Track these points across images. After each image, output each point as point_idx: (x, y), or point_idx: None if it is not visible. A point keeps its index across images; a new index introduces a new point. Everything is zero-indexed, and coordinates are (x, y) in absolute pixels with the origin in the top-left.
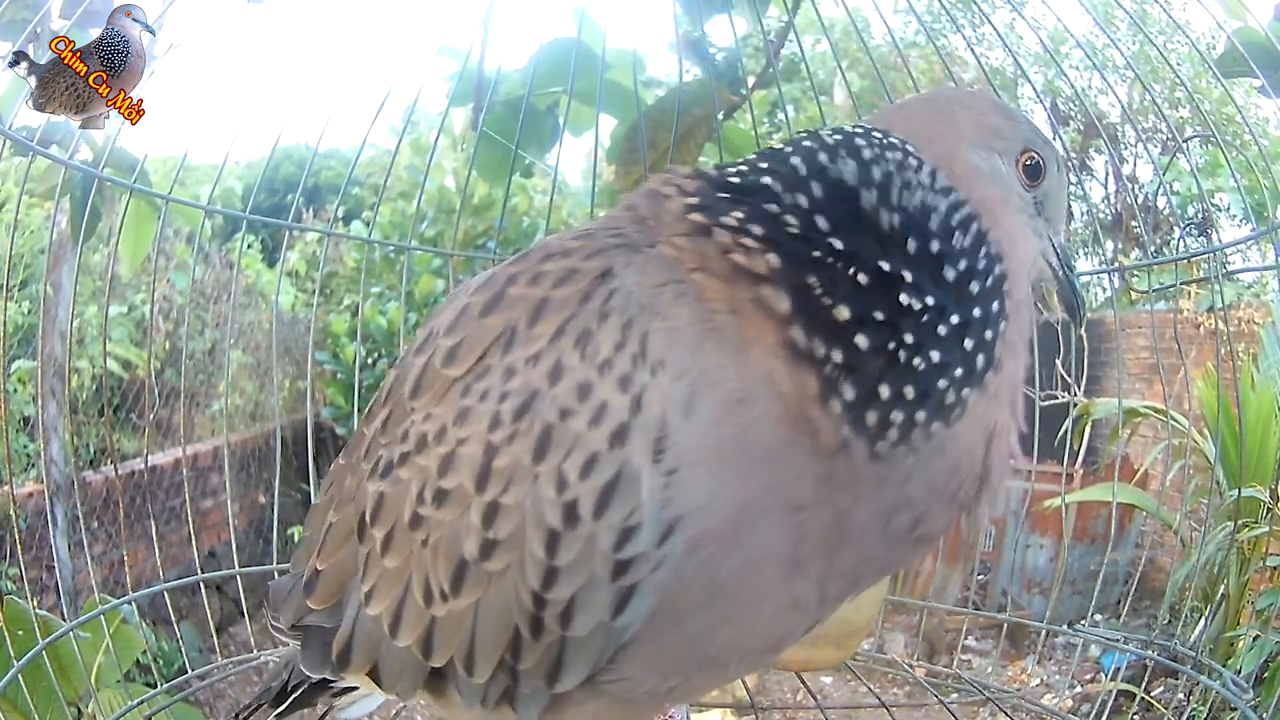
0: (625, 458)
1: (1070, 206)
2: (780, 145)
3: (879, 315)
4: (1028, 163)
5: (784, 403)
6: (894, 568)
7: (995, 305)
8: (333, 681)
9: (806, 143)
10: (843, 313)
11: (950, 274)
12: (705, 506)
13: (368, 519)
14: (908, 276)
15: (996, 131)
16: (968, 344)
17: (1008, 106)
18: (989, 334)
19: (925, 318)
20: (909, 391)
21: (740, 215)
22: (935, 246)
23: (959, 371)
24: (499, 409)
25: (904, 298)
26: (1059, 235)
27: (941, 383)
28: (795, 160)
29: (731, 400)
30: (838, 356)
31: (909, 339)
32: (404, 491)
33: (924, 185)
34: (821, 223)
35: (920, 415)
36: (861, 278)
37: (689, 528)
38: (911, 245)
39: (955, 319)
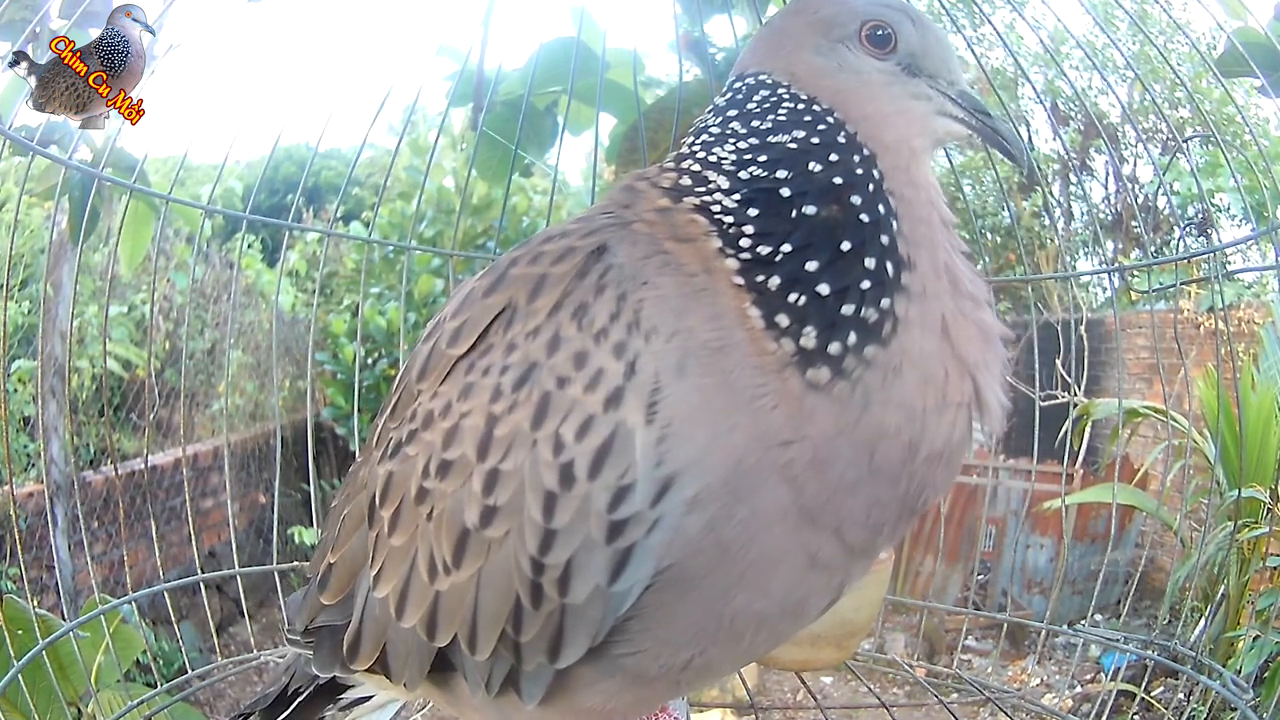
0: (620, 419)
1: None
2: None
3: (762, 250)
4: (868, 35)
5: (752, 339)
6: (916, 503)
7: (873, 211)
8: (340, 691)
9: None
10: (744, 254)
11: (810, 209)
12: (699, 462)
13: (377, 500)
14: (752, 228)
15: (830, 21)
16: (868, 262)
17: None
18: (884, 238)
19: (794, 258)
20: (817, 321)
21: (699, 192)
22: (785, 190)
23: (865, 285)
24: (500, 381)
25: (762, 249)
26: (954, 84)
27: (847, 308)
28: (712, 127)
29: (713, 349)
30: (767, 286)
31: (798, 278)
32: (411, 468)
33: (776, 103)
34: (724, 182)
35: (835, 346)
36: (749, 229)
37: (685, 486)
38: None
39: (825, 251)
